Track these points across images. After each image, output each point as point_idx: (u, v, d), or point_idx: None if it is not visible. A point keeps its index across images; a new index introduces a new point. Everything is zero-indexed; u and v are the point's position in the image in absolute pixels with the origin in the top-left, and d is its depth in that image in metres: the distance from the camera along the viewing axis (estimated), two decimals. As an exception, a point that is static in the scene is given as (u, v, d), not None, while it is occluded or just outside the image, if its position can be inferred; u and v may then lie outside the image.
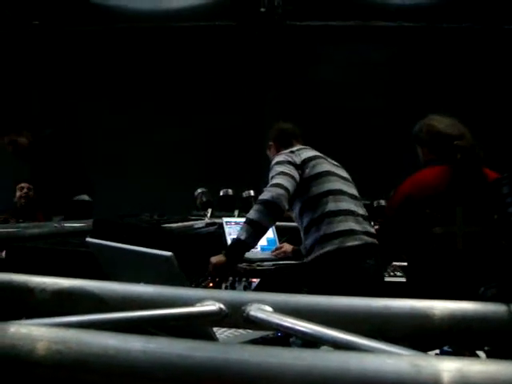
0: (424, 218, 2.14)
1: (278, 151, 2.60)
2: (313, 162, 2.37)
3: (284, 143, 2.63)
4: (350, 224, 2.27)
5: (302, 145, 2.61)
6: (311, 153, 2.44)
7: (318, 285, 2.22)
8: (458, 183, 2.14)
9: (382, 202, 3.66)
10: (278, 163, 2.33)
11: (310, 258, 2.30)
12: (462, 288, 1.85)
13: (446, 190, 2.14)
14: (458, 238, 2.09)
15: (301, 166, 2.34)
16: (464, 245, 2.08)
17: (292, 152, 2.40)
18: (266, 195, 2.18)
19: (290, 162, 2.32)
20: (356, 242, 2.24)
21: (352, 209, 2.33)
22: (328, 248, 2.23)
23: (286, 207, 2.27)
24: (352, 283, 2.15)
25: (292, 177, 2.27)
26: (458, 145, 2.13)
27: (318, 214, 2.28)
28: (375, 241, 2.30)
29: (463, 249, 2.08)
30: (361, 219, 2.33)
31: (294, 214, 2.42)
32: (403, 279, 2.60)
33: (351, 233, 2.25)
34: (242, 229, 2.19)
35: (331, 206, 2.29)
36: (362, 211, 2.39)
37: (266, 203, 2.16)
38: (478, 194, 2.08)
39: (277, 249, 2.85)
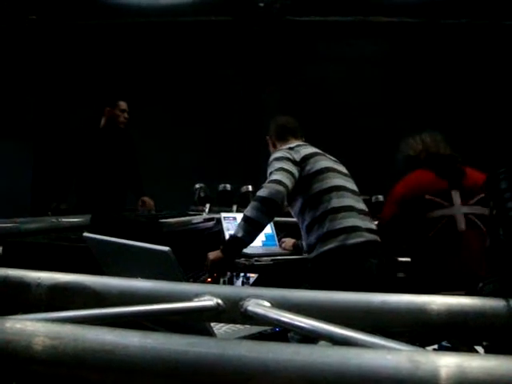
0: (424, 204, 2.22)
1: (274, 146, 2.58)
2: (313, 159, 2.34)
3: (280, 137, 2.59)
4: (354, 220, 2.24)
5: (301, 140, 2.58)
6: (310, 149, 2.41)
7: (320, 282, 2.20)
8: (450, 176, 2.29)
9: (381, 198, 3.66)
10: (277, 159, 2.30)
11: (312, 255, 2.27)
12: (464, 272, 2.00)
13: (441, 181, 2.29)
14: (459, 219, 2.20)
15: (300, 163, 2.30)
16: (466, 225, 2.20)
17: (291, 148, 2.37)
18: (263, 192, 2.16)
19: (288, 159, 2.28)
20: (359, 239, 2.20)
21: (354, 205, 2.31)
22: (331, 245, 2.20)
23: (285, 204, 2.25)
24: (354, 282, 2.11)
25: (291, 173, 2.23)
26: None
27: (320, 211, 2.26)
28: (377, 238, 2.29)
29: (465, 230, 2.19)
30: (362, 215, 2.32)
31: (294, 211, 2.38)
32: (401, 274, 2.61)
33: (354, 229, 2.22)
34: (239, 225, 2.18)
35: (334, 202, 2.26)
36: (362, 207, 2.38)
37: (263, 200, 2.14)
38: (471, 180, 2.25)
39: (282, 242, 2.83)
